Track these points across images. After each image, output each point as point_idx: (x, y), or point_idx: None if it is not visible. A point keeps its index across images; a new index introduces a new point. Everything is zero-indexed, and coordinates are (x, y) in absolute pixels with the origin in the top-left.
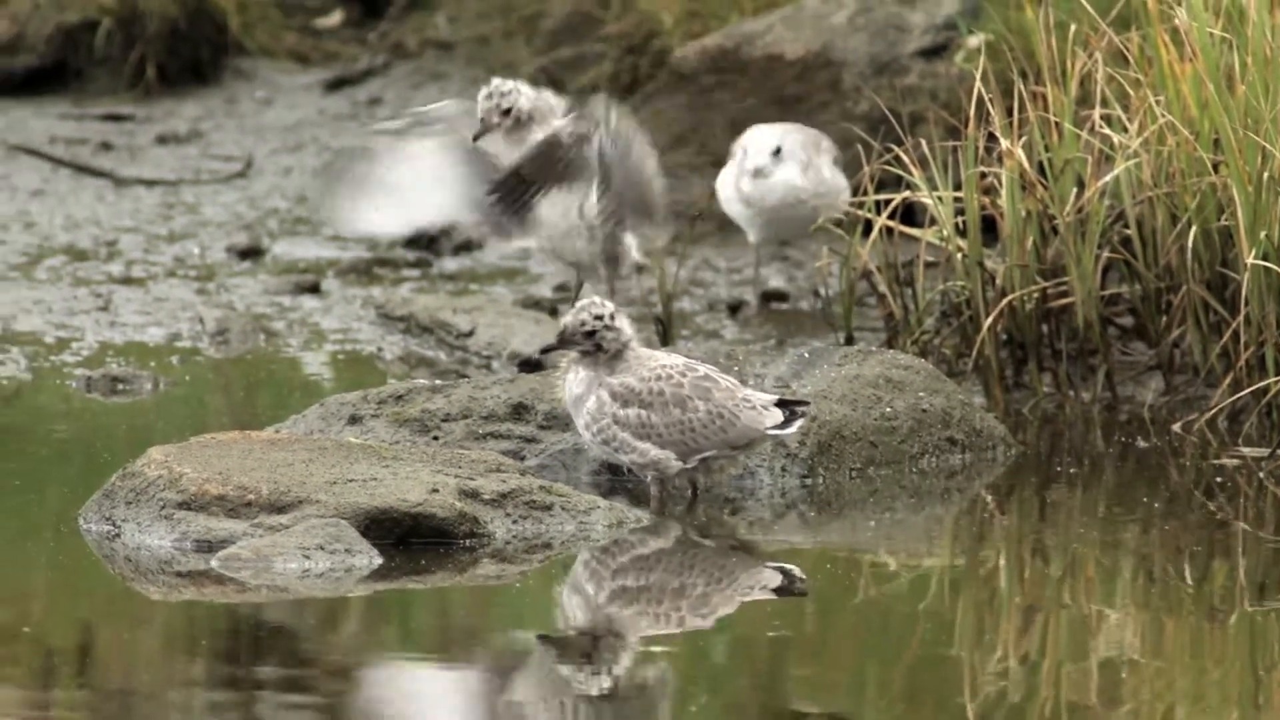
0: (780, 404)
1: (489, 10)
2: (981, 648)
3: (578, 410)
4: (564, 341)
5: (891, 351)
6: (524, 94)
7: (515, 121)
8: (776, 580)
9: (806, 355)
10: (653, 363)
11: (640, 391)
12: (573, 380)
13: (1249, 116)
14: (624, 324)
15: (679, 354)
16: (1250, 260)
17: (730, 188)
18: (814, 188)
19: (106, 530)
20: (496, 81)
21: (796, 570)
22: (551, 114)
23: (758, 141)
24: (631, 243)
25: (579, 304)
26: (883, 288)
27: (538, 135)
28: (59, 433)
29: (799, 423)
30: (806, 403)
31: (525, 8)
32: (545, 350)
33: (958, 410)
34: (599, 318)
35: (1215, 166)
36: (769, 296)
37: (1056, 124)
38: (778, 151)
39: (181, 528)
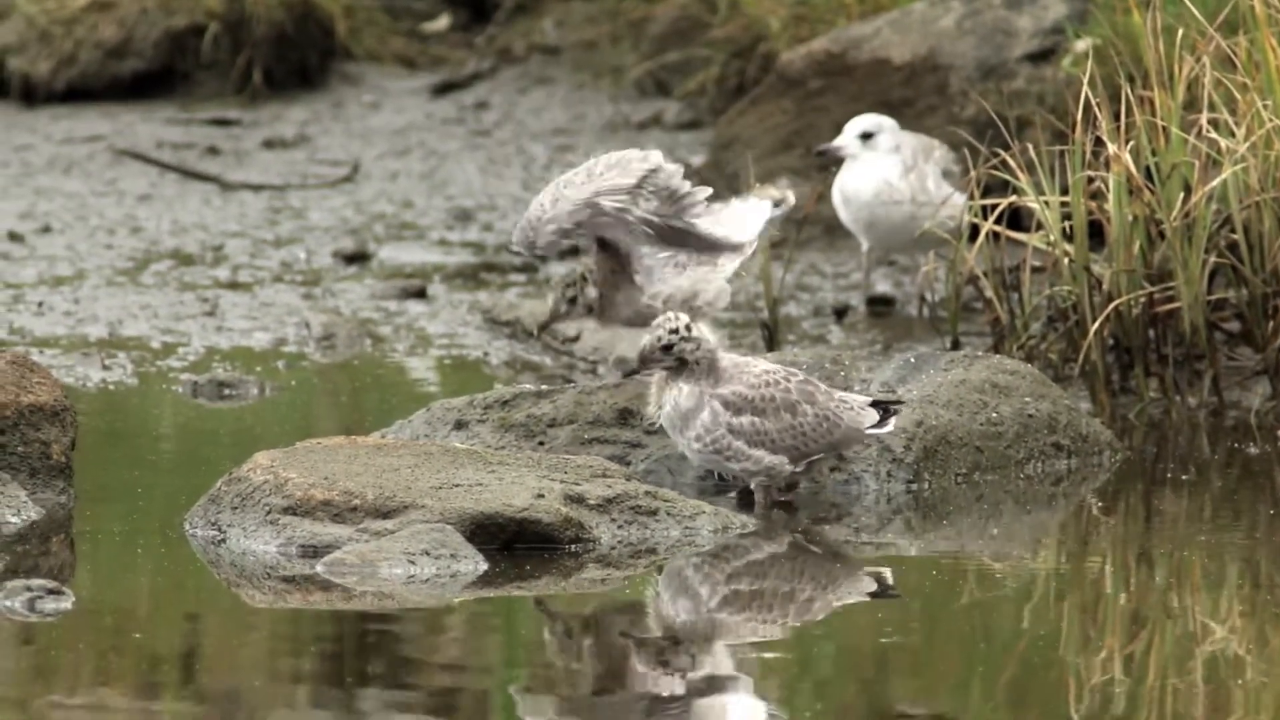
0: (874, 404)
1: (596, 15)
2: (1087, 653)
3: (687, 423)
4: (645, 361)
5: (997, 356)
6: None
7: (586, 310)
8: (876, 586)
9: (912, 360)
10: (756, 369)
11: (752, 399)
12: (679, 396)
13: None
14: (704, 332)
15: (766, 360)
16: None
17: (839, 194)
18: (913, 193)
19: (212, 535)
20: (565, 272)
21: (888, 574)
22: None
23: (849, 125)
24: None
25: (655, 321)
26: (989, 292)
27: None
28: (165, 438)
29: (894, 421)
30: (900, 401)
31: (632, 12)
32: (628, 374)
33: (1064, 415)
34: (674, 331)
35: None
36: (875, 301)
37: (1164, 128)
38: (867, 136)
39: (287, 533)
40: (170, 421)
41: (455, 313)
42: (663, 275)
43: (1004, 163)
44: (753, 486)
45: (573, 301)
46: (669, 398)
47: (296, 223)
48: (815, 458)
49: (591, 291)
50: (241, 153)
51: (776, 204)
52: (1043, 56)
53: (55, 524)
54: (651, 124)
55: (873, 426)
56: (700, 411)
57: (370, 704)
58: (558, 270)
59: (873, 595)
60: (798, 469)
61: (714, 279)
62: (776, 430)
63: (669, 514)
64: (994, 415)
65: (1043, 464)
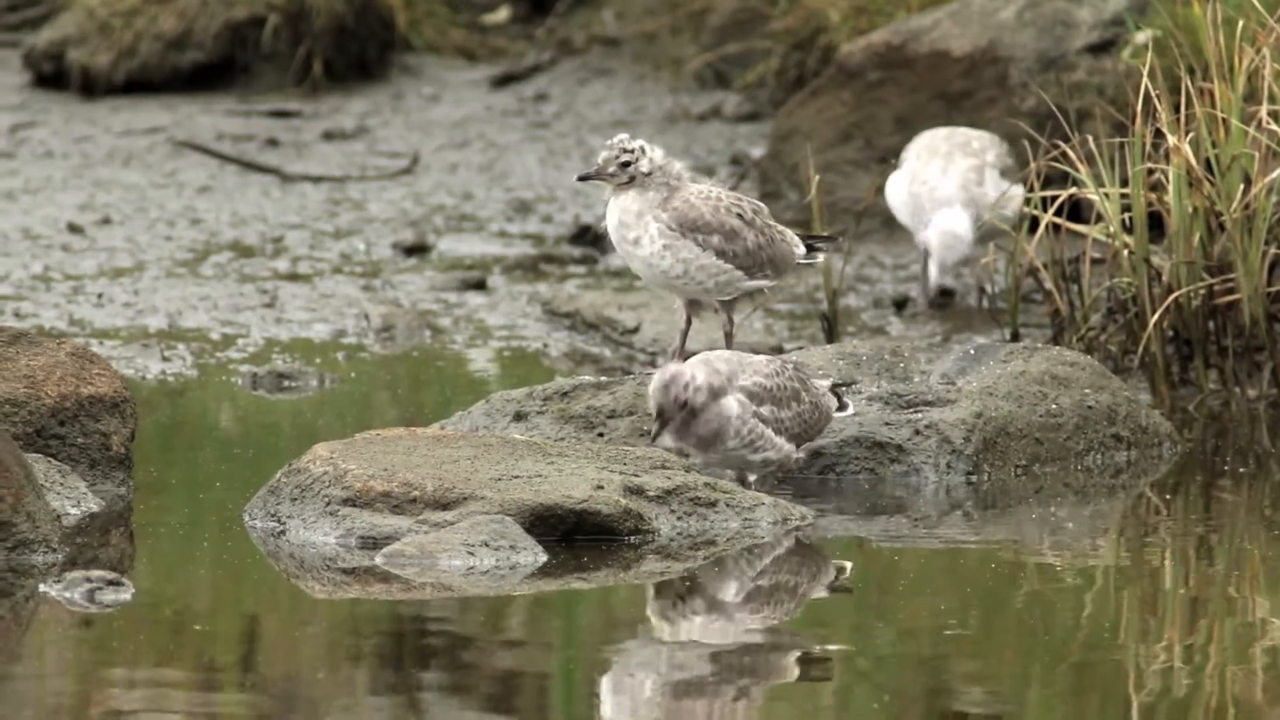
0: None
1: (656, 6)
2: (1147, 644)
3: (722, 438)
4: (599, 174)
5: (1057, 348)
6: (648, 157)
7: (629, 179)
8: (835, 578)
9: (972, 352)
10: (758, 358)
11: (770, 389)
12: (728, 408)
13: None
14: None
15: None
16: None
17: (896, 196)
18: (976, 221)
19: (271, 527)
20: (625, 136)
21: (847, 567)
22: (675, 181)
23: (941, 256)
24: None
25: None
26: (1049, 284)
27: (651, 195)
28: (224, 429)
29: (851, 406)
30: (850, 384)
31: (692, 3)
32: (582, 178)
33: (1123, 407)
34: (628, 150)
35: None
36: (935, 293)
37: (1224, 120)
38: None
39: (346, 524)
40: (229, 413)
41: (515, 304)
42: None
43: (1064, 154)
44: (752, 477)
45: (624, 166)
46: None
47: (356, 214)
48: (810, 443)
49: (645, 165)
50: (301, 145)
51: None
52: (1103, 48)
53: (115, 515)
54: (711, 116)
55: (838, 410)
56: (733, 412)
57: (430, 695)
58: (615, 261)
59: (830, 589)
60: (801, 455)
61: None
62: (789, 418)
63: (728, 505)
64: (1053, 407)
65: (1102, 456)
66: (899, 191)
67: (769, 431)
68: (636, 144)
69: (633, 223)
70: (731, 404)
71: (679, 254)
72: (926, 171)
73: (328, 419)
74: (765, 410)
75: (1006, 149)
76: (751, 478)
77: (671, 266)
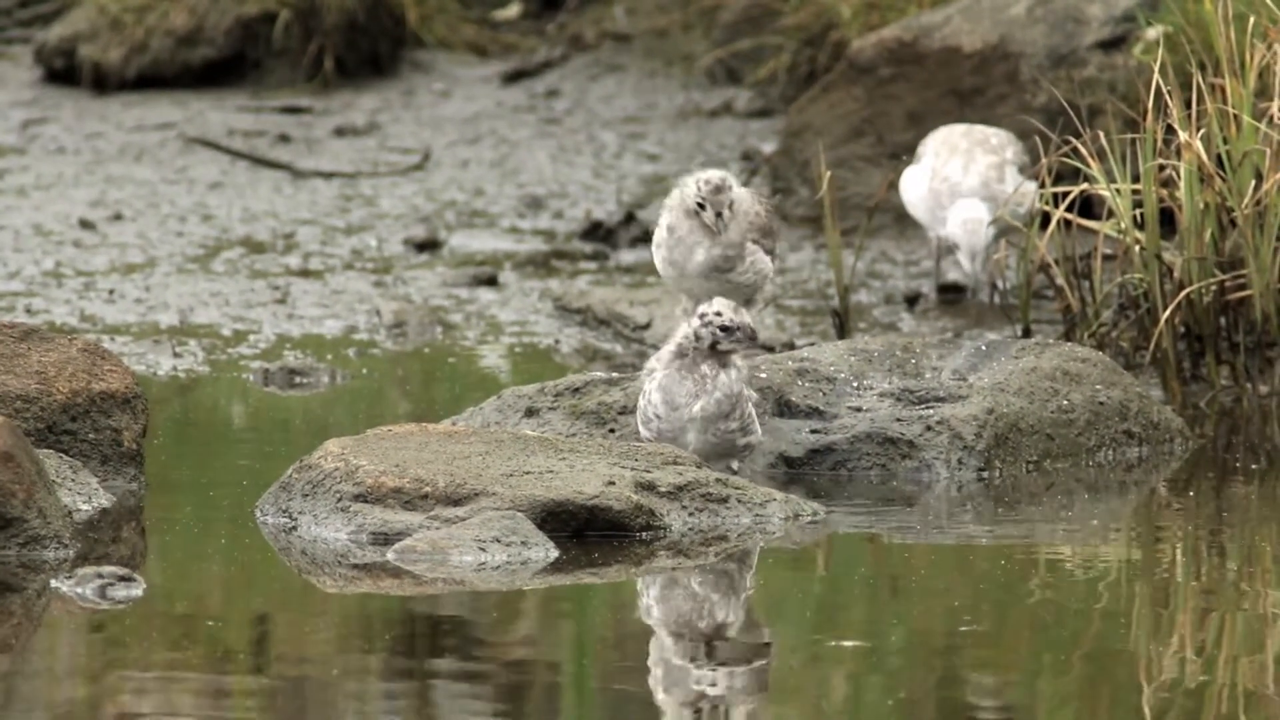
0: None
1: (667, 2)
2: (1158, 642)
3: (734, 409)
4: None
5: (1069, 344)
6: (730, 191)
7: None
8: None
9: (983, 348)
10: None
11: (745, 371)
12: (734, 378)
13: None
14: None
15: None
16: None
17: (914, 191)
18: (995, 213)
19: (283, 523)
20: (715, 179)
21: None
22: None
23: (969, 243)
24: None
25: (702, 310)
26: (1060, 280)
27: (739, 221)
28: (236, 425)
29: None
30: (772, 348)
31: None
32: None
33: (1135, 403)
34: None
35: None
36: (946, 289)
37: (1235, 116)
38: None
39: (358, 520)
40: (241, 409)
41: (526, 300)
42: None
43: (1075, 151)
44: (737, 466)
45: (719, 215)
46: (728, 379)
47: (367, 210)
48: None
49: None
50: (312, 141)
51: None
52: (1114, 44)
53: (126, 511)
54: (722, 112)
55: None
56: (742, 393)
57: (441, 690)
58: (627, 257)
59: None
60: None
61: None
62: (757, 401)
63: (740, 501)
64: (1065, 403)
65: (1114, 452)
66: (916, 187)
67: (754, 415)
68: (717, 178)
69: (736, 254)
70: (740, 374)
71: (757, 266)
72: (947, 169)
73: (339, 415)
74: (751, 393)
75: (1023, 146)
76: (735, 465)
77: (744, 273)
